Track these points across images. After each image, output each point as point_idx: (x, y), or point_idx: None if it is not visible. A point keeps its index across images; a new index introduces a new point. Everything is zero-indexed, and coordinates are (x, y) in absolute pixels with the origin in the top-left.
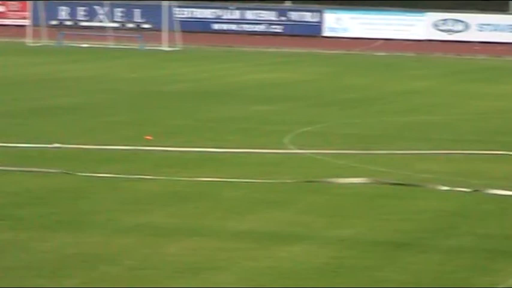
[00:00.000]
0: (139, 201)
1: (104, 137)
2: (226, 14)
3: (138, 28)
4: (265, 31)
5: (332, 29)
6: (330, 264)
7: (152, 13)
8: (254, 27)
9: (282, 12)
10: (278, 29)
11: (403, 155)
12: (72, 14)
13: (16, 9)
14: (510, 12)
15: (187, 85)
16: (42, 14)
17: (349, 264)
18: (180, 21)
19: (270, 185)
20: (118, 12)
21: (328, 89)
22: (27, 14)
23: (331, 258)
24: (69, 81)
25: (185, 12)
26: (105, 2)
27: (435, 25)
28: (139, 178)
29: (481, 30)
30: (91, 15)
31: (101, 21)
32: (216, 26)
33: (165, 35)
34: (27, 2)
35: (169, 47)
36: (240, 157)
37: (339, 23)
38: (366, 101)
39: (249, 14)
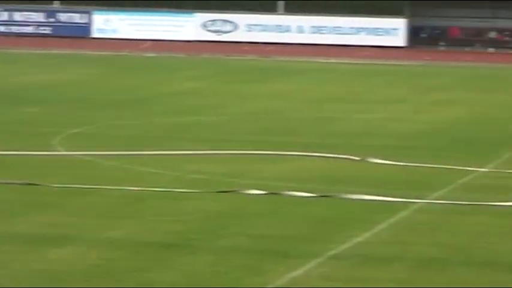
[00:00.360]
0: None
1: None
2: None
3: None
4: (34, 33)
5: (101, 30)
6: (100, 265)
7: None
8: (22, 29)
9: (51, 14)
10: (47, 30)
11: (174, 155)
12: None
13: None
14: (278, 12)
15: None
16: None
17: (119, 265)
18: None
19: (38, 187)
20: None
21: (98, 91)
22: None
23: (102, 260)
24: None
25: None
26: None
27: (204, 26)
28: None
29: (249, 31)
30: None
31: None
32: None
33: None
34: None
35: None
36: (9, 159)
37: (107, 24)
38: (136, 102)
39: (17, 16)
